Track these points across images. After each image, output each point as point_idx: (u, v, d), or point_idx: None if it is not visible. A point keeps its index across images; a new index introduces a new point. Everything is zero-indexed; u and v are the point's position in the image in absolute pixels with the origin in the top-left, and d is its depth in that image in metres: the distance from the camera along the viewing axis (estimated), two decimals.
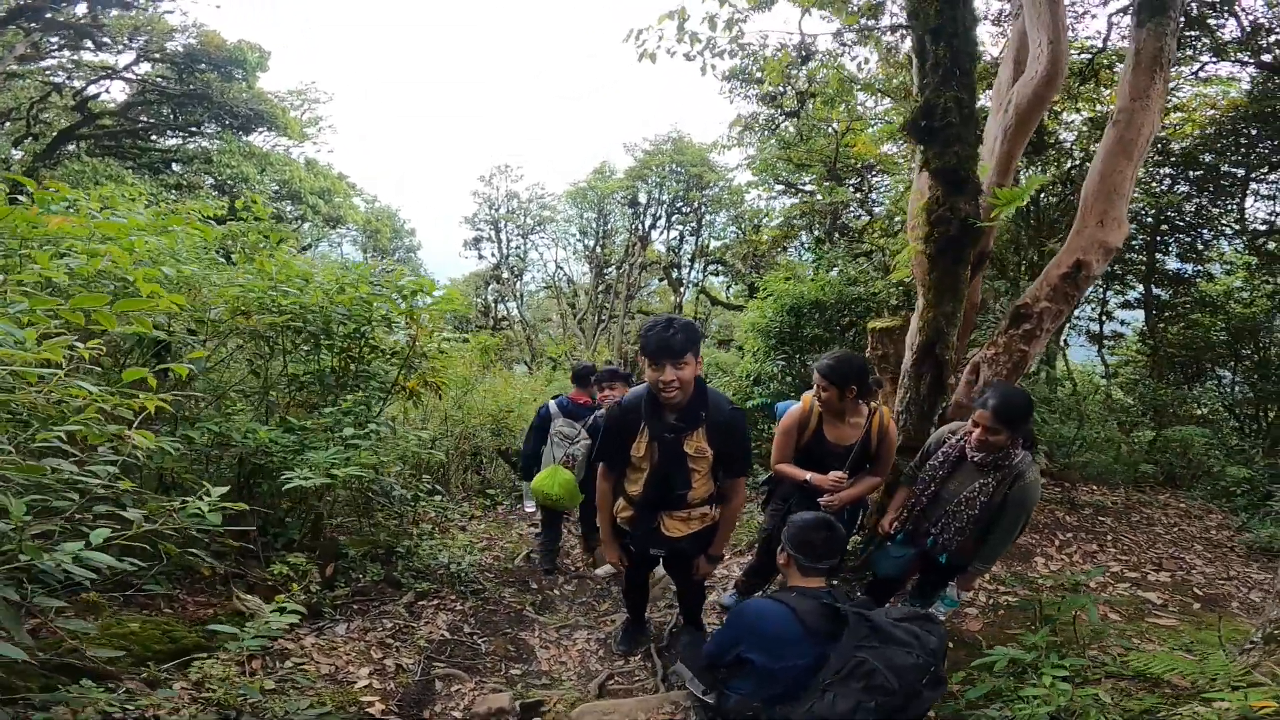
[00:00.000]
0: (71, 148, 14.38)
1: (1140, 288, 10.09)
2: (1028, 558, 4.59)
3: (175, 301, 1.81)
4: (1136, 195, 8.75)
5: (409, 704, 2.77)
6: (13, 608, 1.43)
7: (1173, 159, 8.93)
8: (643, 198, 22.39)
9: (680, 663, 2.61)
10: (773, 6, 5.08)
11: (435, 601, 3.75)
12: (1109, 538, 5.21)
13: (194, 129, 15.87)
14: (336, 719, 2.43)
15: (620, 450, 2.60)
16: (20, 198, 3.08)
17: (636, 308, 23.37)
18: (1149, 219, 9.25)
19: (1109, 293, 10.53)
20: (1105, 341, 10.85)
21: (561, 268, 25.85)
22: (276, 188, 17.26)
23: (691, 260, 22.56)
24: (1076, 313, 10.42)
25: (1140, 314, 10.38)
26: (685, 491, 2.58)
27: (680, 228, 22.64)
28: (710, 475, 2.59)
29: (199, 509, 1.77)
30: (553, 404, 4.64)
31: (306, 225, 19.31)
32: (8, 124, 14.16)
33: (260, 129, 16.62)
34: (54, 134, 14.14)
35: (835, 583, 2.43)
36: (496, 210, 25.23)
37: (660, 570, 3.53)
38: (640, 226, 22.72)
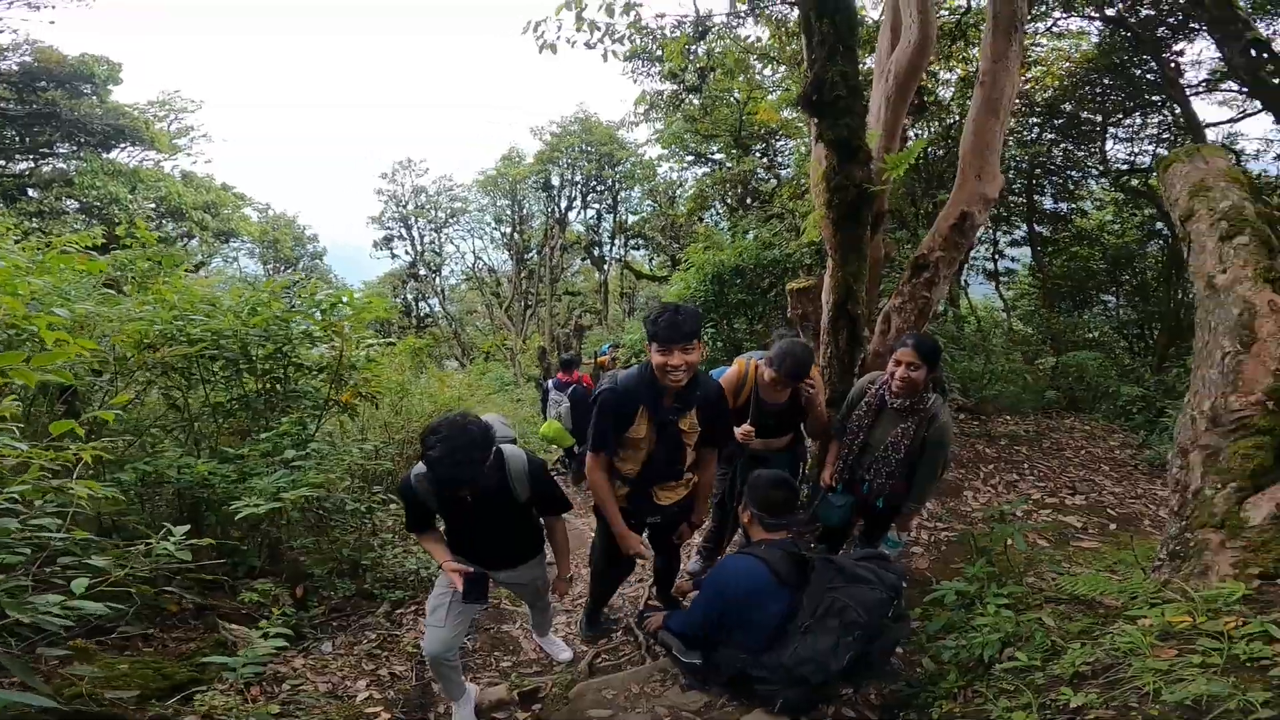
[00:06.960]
0: None
1: (1024, 227, 10.94)
2: (958, 493, 4.92)
3: (86, 347, 1.73)
4: (1010, 145, 9.48)
5: (412, 709, 2.81)
6: (21, 661, 1.48)
7: (1037, 110, 9.67)
8: (556, 180, 22.14)
9: (663, 632, 2.72)
10: None
11: (413, 607, 3.76)
12: (1025, 466, 5.59)
13: (45, 150, 14.50)
14: None
15: (616, 433, 2.55)
16: None
17: (562, 289, 23.25)
18: (1024, 165, 10.02)
19: (998, 233, 11.38)
20: (1000, 278, 11.76)
21: (480, 258, 25.36)
22: (153, 206, 15.98)
23: (611, 237, 22.58)
24: (973, 253, 11.23)
25: (1028, 250, 11.30)
26: (680, 466, 2.68)
27: (596, 206, 22.59)
28: (694, 447, 2.69)
29: (167, 549, 1.77)
30: (549, 383, 6.85)
31: (194, 242, 17.99)
32: None
33: (122, 144, 15.42)
34: None
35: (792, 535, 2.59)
36: (404, 206, 24.35)
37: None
38: (556, 209, 22.49)
